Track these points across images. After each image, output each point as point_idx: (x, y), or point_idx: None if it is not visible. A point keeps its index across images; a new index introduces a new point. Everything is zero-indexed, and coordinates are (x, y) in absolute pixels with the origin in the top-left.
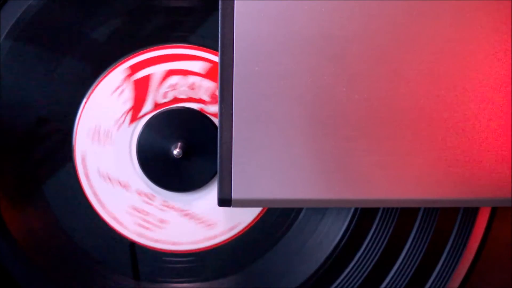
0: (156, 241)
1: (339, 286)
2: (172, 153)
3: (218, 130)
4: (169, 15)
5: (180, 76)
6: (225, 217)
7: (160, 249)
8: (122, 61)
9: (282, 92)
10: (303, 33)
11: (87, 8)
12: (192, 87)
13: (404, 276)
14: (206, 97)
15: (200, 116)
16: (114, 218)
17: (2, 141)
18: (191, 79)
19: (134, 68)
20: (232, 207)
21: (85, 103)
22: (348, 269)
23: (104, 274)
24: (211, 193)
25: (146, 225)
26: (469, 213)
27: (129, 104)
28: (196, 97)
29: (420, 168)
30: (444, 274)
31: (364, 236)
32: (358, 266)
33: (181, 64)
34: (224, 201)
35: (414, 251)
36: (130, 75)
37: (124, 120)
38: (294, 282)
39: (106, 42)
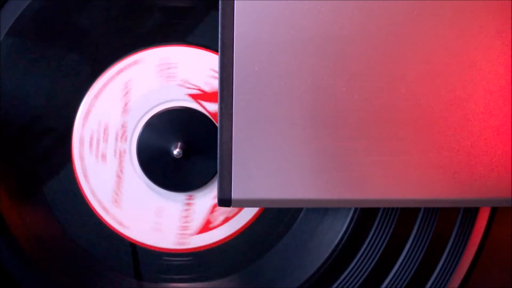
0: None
1: (339, 286)
2: (172, 153)
3: (218, 130)
4: (168, 15)
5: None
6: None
7: (160, 248)
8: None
9: (282, 92)
10: (303, 33)
11: (87, 7)
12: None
13: (404, 276)
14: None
15: (200, 116)
16: (115, 219)
17: (2, 140)
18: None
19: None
20: (232, 207)
21: (85, 102)
22: (348, 269)
23: (105, 274)
24: (211, 193)
25: (187, 225)
26: (469, 213)
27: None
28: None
29: (420, 168)
30: (444, 274)
31: (364, 236)
32: (358, 266)
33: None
34: (224, 201)
35: (414, 251)
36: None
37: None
38: (294, 282)
39: (106, 40)
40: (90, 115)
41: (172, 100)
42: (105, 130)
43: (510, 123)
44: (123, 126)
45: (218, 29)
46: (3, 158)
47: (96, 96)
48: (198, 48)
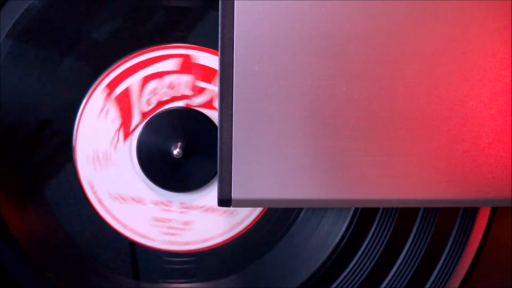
0: (187, 243)
1: (339, 286)
2: (172, 153)
3: (218, 130)
4: (168, 15)
5: (156, 79)
6: (225, 216)
7: (160, 249)
8: (99, 81)
9: (282, 92)
10: (303, 33)
11: (86, 8)
12: (171, 86)
13: (404, 276)
14: (188, 92)
15: (200, 116)
16: (115, 218)
17: (2, 142)
18: (168, 79)
19: (111, 85)
20: (232, 207)
21: (85, 103)
22: (348, 269)
23: (104, 274)
24: (211, 193)
25: (172, 231)
26: (469, 213)
27: (118, 122)
28: (178, 94)
29: (420, 168)
30: (444, 274)
31: (364, 236)
32: (358, 266)
33: (153, 67)
34: (224, 201)
35: (414, 251)
36: (109, 94)
37: (118, 139)
38: (294, 282)
39: (106, 42)
40: (88, 123)
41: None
42: (104, 153)
43: (510, 123)
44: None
45: (218, 29)
46: (4, 159)
47: (92, 105)
48: (166, 47)
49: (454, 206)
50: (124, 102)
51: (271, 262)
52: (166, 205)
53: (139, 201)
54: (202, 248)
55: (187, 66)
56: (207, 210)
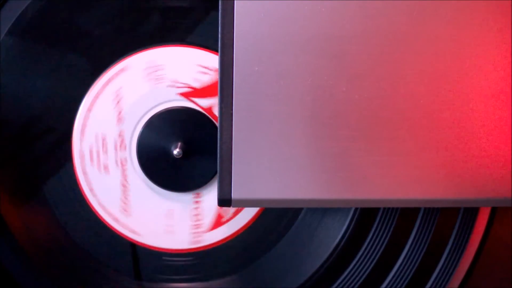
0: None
1: (339, 286)
2: (172, 153)
3: (218, 130)
4: (168, 15)
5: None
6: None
7: (160, 248)
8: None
9: (282, 92)
10: (303, 33)
11: (87, 6)
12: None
13: (404, 276)
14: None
15: (200, 116)
16: (115, 218)
17: (2, 140)
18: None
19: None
20: (232, 207)
21: (85, 102)
22: (348, 269)
23: (104, 274)
24: (211, 193)
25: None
26: (469, 213)
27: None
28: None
29: (420, 168)
30: (444, 274)
31: (364, 236)
32: (358, 266)
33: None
34: (224, 201)
35: (414, 251)
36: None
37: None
38: (294, 282)
39: (107, 40)
40: (86, 129)
41: (164, 102)
42: (103, 141)
43: (510, 123)
44: (120, 135)
45: (218, 29)
46: (3, 158)
47: (89, 109)
48: (183, 46)
49: (454, 206)
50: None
51: (271, 262)
52: (172, 209)
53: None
54: (202, 248)
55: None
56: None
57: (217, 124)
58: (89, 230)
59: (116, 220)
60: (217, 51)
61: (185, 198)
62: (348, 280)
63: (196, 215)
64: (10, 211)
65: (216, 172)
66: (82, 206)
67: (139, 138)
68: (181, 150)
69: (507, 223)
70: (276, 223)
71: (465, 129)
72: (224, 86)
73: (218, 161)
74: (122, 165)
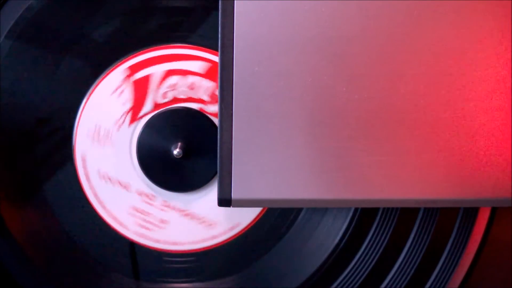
0: (157, 241)
1: (339, 286)
2: (172, 153)
3: (218, 130)
4: (169, 15)
5: (179, 76)
6: (225, 217)
7: (160, 249)
8: (122, 61)
9: (282, 92)
10: (303, 33)
11: (87, 8)
12: (191, 87)
13: (404, 276)
14: (205, 97)
15: (200, 116)
16: (115, 218)
17: (2, 140)
18: (191, 79)
19: (134, 69)
20: (232, 207)
21: (85, 102)
22: (348, 269)
23: (104, 274)
24: (211, 193)
25: (147, 225)
26: (469, 213)
27: (128, 104)
28: (196, 97)
29: (420, 168)
30: (444, 274)
31: (364, 236)
32: (358, 266)
33: (180, 64)
34: (224, 201)
35: (414, 251)
36: (129, 76)
37: (124, 121)
38: (294, 282)
39: (106, 42)
40: (91, 115)
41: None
42: (105, 130)
43: (510, 123)
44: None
45: (218, 29)
46: (3, 159)
47: (96, 96)
48: (198, 48)
49: (454, 206)
50: (141, 88)
51: (271, 262)
52: (150, 199)
53: (125, 186)
54: (202, 248)
55: (213, 73)
56: (186, 215)
57: (217, 124)
58: (89, 230)
59: (116, 220)
60: (217, 51)
61: (185, 198)
62: (348, 280)
63: (196, 215)
64: (10, 211)
65: (216, 173)
66: (82, 206)
67: (139, 138)
68: (181, 150)
69: (507, 223)
70: (276, 224)
71: (465, 129)
72: (224, 86)
73: (218, 161)
74: (121, 146)
